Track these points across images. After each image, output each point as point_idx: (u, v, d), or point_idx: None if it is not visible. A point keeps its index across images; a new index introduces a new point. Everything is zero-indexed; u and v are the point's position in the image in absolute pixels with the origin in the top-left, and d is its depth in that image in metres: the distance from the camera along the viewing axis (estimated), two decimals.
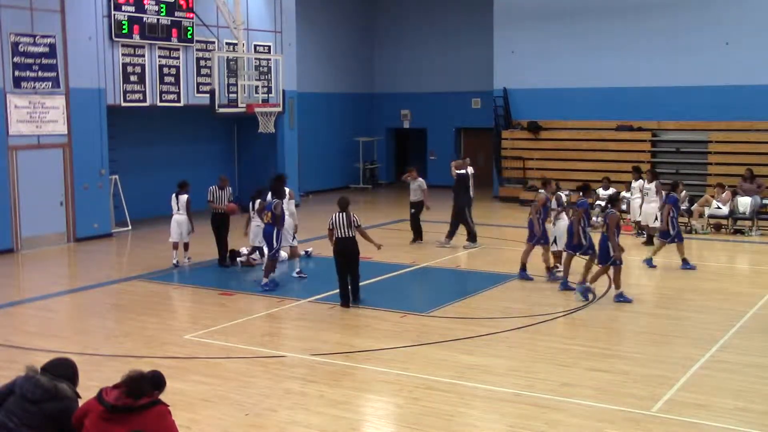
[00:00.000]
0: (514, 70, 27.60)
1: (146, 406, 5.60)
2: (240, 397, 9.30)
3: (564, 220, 15.49)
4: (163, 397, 5.83)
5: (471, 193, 19.01)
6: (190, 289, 14.88)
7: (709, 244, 19.58)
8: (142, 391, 5.64)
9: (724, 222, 20.84)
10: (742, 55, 24.06)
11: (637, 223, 20.07)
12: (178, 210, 16.94)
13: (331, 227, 13.58)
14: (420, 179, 19.32)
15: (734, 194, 21.64)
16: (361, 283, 13.94)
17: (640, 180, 19.93)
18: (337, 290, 13.70)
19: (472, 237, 18.69)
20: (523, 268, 15.48)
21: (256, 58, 23.44)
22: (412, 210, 19.30)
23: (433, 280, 16.10)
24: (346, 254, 13.50)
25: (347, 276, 13.54)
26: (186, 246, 17.09)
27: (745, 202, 21.05)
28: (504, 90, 27.84)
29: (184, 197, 17.07)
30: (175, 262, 16.86)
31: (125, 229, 21.40)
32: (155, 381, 5.89)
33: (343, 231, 13.45)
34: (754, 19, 23.97)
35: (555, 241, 15.68)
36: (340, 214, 13.48)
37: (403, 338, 11.64)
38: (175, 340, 11.65)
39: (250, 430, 8.42)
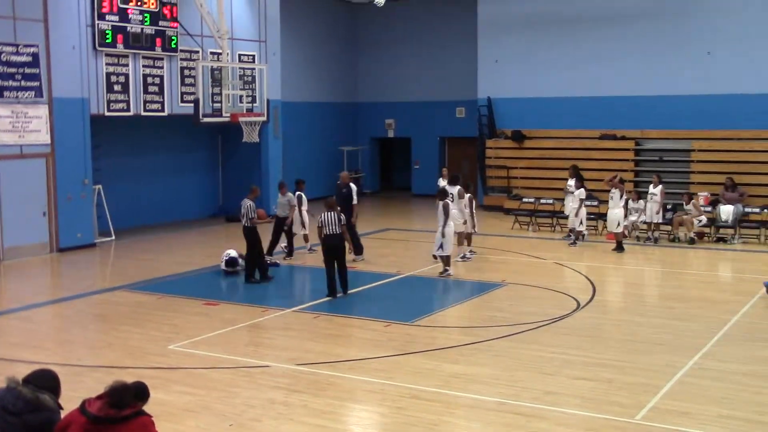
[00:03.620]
0: (498, 79, 27.70)
1: (130, 417, 5.57)
2: (224, 408, 9.25)
3: None
4: (146, 407, 5.80)
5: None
6: (174, 299, 14.80)
7: (691, 252, 19.69)
8: (126, 401, 5.60)
9: (706, 230, 20.95)
10: (724, 65, 24.25)
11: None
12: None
13: (320, 225, 14.75)
14: (290, 194, 18.41)
15: (716, 203, 21.80)
16: (345, 294, 14.04)
17: (576, 184, 20.18)
18: (321, 300, 13.70)
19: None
20: None
21: (240, 68, 23.41)
22: (285, 227, 18.32)
23: (417, 290, 16.10)
24: (334, 249, 14.65)
25: (334, 269, 14.58)
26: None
27: (727, 211, 21.18)
28: (488, 99, 27.92)
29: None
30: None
31: (109, 239, 21.30)
32: (139, 392, 5.85)
33: (331, 228, 14.64)
34: (735, 28, 24.16)
35: None
36: (329, 212, 14.70)
37: (387, 347, 11.63)
38: (159, 350, 11.59)
39: None
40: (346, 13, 32.38)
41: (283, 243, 18.46)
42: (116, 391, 5.61)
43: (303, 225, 18.76)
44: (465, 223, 18.24)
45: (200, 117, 21.52)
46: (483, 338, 12.01)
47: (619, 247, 19.21)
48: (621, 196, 19.37)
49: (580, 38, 26.33)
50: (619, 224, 19.23)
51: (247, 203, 16.20)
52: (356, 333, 12.64)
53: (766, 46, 23.70)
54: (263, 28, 25.05)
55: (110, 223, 21.46)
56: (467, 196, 18.54)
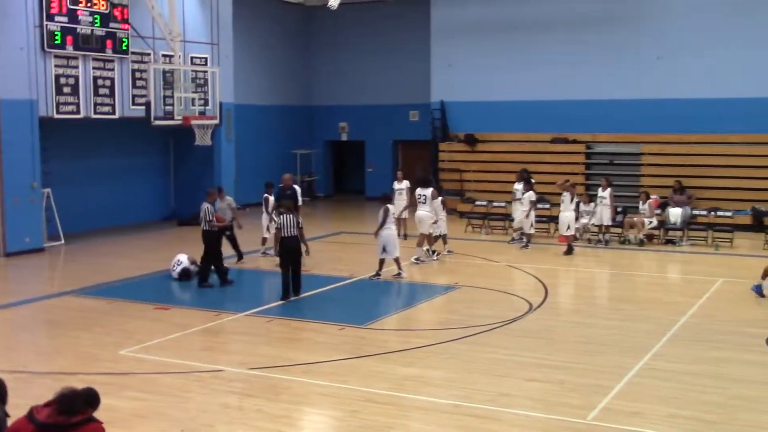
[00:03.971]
0: (451, 83, 27.84)
1: (79, 424, 5.48)
2: (176, 413, 9.16)
3: None
4: (97, 414, 5.72)
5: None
6: (125, 303, 14.61)
7: (641, 254, 19.96)
8: (75, 408, 5.52)
9: (656, 233, 21.27)
10: (674, 70, 24.65)
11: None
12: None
13: (279, 227, 14.85)
14: (228, 198, 18.14)
15: (665, 205, 22.13)
16: (299, 297, 14.01)
17: (525, 187, 20.41)
18: (275, 303, 13.64)
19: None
20: None
21: (192, 70, 23.21)
22: (227, 233, 17.63)
23: (371, 293, 16.09)
24: (291, 251, 14.73)
25: (290, 271, 14.68)
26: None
27: (675, 213, 21.54)
28: (441, 103, 28.06)
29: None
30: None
31: (58, 243, 20.96)
32: (89, 398, 5.76)
33: (289, 230, 14.70)
34: (684, 34, 24.58)
35: None
36: (288, 215, 14.81)
37: (341, 351, 11.61)
38: (110, 356, 11.42)
39: None
40: (300, 16, 32.30)
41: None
42: (65, 397, 5.52)
43: (268, 228, 18.61)
44: (435, 222, 18.71)
45: (152, 120, 21.37)
46: (436, 341, 12.04)
47: (570, 250, 19.41)
48: (572, 200, 19.60)
49: (532, 43, 26.57)
50: (569, 227, 19.45)
51: (205, 206, 16.08)
52: (310, 336, 12.60)
53: (714, 51, 24.14)
54: (216, 30, 24.86)
55: (60, 227, 21.12)
56: (440, 198, 18.99)
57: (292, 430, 8.87)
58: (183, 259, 16.74)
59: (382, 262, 16.60)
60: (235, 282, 16.18)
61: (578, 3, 25.96)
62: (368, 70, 31.63)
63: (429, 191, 18.96)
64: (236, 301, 15.07)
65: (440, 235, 19.27)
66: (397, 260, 16.61)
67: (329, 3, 23.47)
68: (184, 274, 16.53)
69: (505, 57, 26.96)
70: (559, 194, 20.23)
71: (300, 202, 18.02)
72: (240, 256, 18.28)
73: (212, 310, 14.10)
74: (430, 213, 18.69)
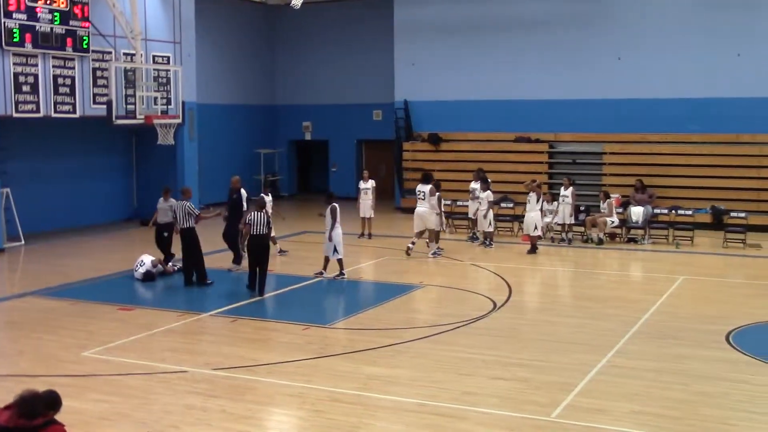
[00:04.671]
0: (415, 82, 27.89)
1: (41, 427, 5.42)
2: (141, 415, 9.07)
3: None
4: (59, 416, 5.65)
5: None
6: (88, 304, 14.44)
7: (603, 253, 20.14)
8: (37, 411, 5.45)
9: (618, 231, 21.48)
10: (634, 70, 24.91)
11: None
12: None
13: (249, 223, 14.82)
14: (172, 200, 17.09)
15: (627, 204, 22.36)
16: (264, 297, 13.95)
17: (483, 186, 20.47)
18: (239, 303, 13.58)
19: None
20: None
21: (154, 69, 23.00)
22: (165, 233, 17.08)
23: (335, 292, 16.08)
24: (260, 249, 14.77)
25: (257, 268, 14.74)
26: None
27: (637, 212, 21.76)
28: (405, 102, 28.09)
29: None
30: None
31: (18, 243, 20.67)
32: (50, 400, 5.69)
33: (258, 228, 14.69)
34: (644, 35, 24.85)
35: None
36: (258, 213, 14.81)
37: (306, 350, 11.57)
38: (73, 357, 11.28)
39: None
40: (263, 15, 32.15)
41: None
42: (26, 400, 5.46)
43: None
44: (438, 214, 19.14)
45: (114, 119, 21.14)
46: (401, 340, 12.05)
47: (533, 249, 19.52)
48: (538, 200, 19.67)
49: (496, 43, 26.69)
50: (536, 227, 19.55)
51: (185, 204, 15.95)
52: (274, 336, 12.55)
53: (674, 51, 24.44)
54: (178, 29, 24.65)
55: (19, 227, 20.81)
56: (437, 194, 19.20)
57: (257, 430, 8.83)
58: (146, 260, 16.58)
59: (341, 261, 16.53)
60: (213, 283, 16.01)
61: (541, 4, 26.12)
62: (332, 69, 31.57)
63: (428, 188, 19.20)
64: (200, 301, 14.96)
65: (437, 232, 19.67)
66: (340, 261, 16.53)
67: (292, 2, 23.41)
68: (148, 277, 16.38)
69: (469, 57, 27.06)
70: (524, 194, 20.34)
71: (245, 207, 17.37)
72: (169, 258, 17.35)
73: (176, 310, 14.00)
74: (429, 209, 18.97)
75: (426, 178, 19.73)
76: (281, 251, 19.04)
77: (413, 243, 19.16)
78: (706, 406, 9.32)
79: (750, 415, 9.08)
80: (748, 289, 15.89)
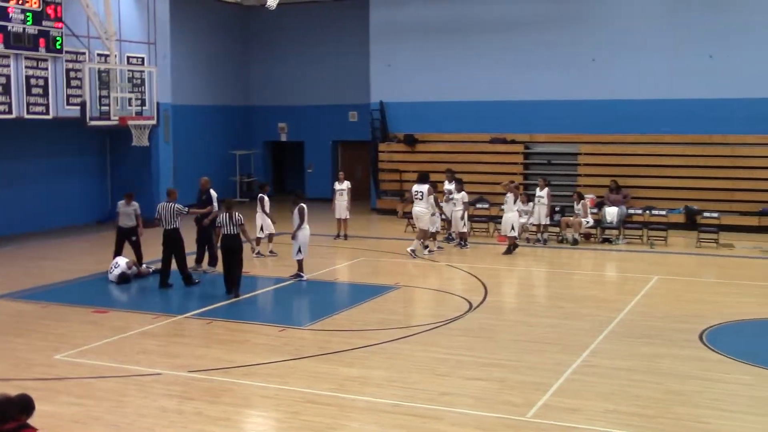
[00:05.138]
0: (391, 83, 27.89)
1: (13, 431, 5.35)
2: (114, 418, 8.99)
3: None
4: (32, 421, 5.59)
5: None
6: (61, 307, 14.30)
7: (578, 253, 20.24)
8: (9, 415, 5.39)
9: (593, 231, 21.59)
10: (608, 72, 25.06)
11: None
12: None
13: (218, 225, 15.01)
14: (135, 203, 17.15)
15: (602, 204, 22.48)
16: (240, 297, 13.92)
17: (457, 187, 20.45)
18: (214, 305, 13.52)
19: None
20: None
21: (129, 70, 22.81)
22: (133, 237, 17.03)
23: (311, 293, 16.04)
24: (232, 249, 14.83)
25: (230, 268, 14.83)
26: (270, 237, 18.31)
27: (611, 212, 21.89)
28: (380, 103, 28.09)
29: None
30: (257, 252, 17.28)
31: None
32: (23, 404, 5.63)
33: (229, 228, 14.80)
34: (618, 37, 24.99)
35: None
36: (227, 213, 14.89)
37: (281, 352, 11.54)
38: (45, 360, 11.17)
39: None
40: (238, 16, 32.03)
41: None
42: None
43: (262, 228, 18.99)
44: (434, 215, 19.49)
45: (88, 120, 20.99)
46: (377, 341, 12.05)
47: (509, 250, 19.58)
48: (515, 201, 19.73)
49: (471, 44, 26.75)
50: (513, 228, 19.60)
51: (173, 206, 15.88)
52: (250, 338, 12.49)
53: (647, 54, 24.60)
54: (153, 29, 24.49)
55: None
56: (434, 194, 19.54)
57: (232, 431, 8.80)
58: (121, 262, 16.46)
59: (301, 262, 16.51)
60: (173, 285, 15.91)
61: (515, 6, 26.21)
62: (307, 70, 31.51)
63: (425, 188, 19.39)
64: (175, 303, 14.89)
65: (436, 231, 20.10)
66: (300, 262, 16.51)
67: (267, 3, 23.30)
68: (123, 279, 16.27)
69: (444, 58, 27.10)
70: (499, 194, 20.41)
71: (215, 207, 17.10)
72: (140, 261, 17.19)
73: (151, 312, 13.90)
74: (426, 209, 19.20)
75: (423, 178, 19.88)
76: (258, 254, 18.92)
77: (452, 237, 20.18)
78: (680, 404, 9.39)
79: (723, 413, 9.15)
80: (721, 289, 16.03)
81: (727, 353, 11.35)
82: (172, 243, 15.79)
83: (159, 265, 17.42)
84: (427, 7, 27.32)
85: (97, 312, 13.93)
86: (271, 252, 19.27)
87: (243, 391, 9.97)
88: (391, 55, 27.90)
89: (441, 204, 20.04)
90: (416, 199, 19.41)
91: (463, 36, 26.83)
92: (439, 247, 19.96)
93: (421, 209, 19.28)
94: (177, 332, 12.96)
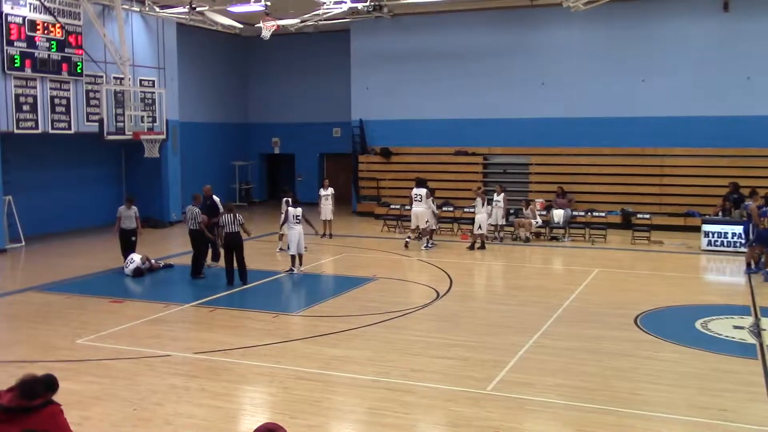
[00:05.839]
0: (369, 103, 27.86)
1: (40, 407, 5.28)
2: (128, 394, 8.90)
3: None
4: (56, 397, 5.51)
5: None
6: (82, 298, 14.15)
7: (530, 250, 20.31)
8: (36, 392, 5.30)
9: (542, 231, 21.67)
10: (555, 93, 25.17)
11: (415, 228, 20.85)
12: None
13: (222, 224, 15.01)
14: (134, 207, 16.85)
15: (550, 207, 22.57)
16: (238, 289, 13.78)
17: (427, 193, 20.41)
18: (217, 295, 13.43)
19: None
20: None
21: (141, 91, 22.62)
22: (133, 238, 16.74)
23: (301, 285, 15.97)
24: (234, 245, 14.91)
25: (233, 262, 14.93)
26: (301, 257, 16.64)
27: (558, 214, 21.98)
28: (360, 121, 28.04)
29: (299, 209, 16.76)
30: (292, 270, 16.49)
31: (19, 244, 20.20)
32: (48, 383, 5.54)
33: (231, 227, 14.84)
34: (563, 64, 25.10)
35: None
36: (230, 214, 14.99)
37: (275, 335, 11.47)
38: (67, 345, 11.04)
39: (139, 423, 8.07)
40: (238, 44, 31.83)
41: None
42: (26, 383, 5.31)
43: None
44: (427, 221, 19.70)
45: (105, 135, 20.84)
46: (358, 325, 12.02)
47: (482, 246, 19.60)
48: (483, 204, 19.78)
49: (438, 70, 26.76)
50: (480, 227, 19.65)
51: (193, 209, 15.93)
52: (248, 324, 12.41)
53: (589, 78, 24.72)
54: (162, 56, 24.34)
55: (20, 230, 20.35)
56: (432, 198, 19.96)
57: (232, 405, 8.72)
58: (136, 258, 16.32)
59: (293, 257, 16.50)
60: (206, 276, 15.86)
61: (476, 37, 26.25)
62: (297, 91, 31.45)
63: (423, 191, 19.71)
64: (183, 294, 14.77)
65: (433, 230, 20.32)
66: (293, 258, 16.50)
67: (262, 34, 23.20)
68: (137, 273, 16.13)
69: (415, 81, 27.10)
70: (462, 198, 20.46)
71: (221, 209, 16.56)
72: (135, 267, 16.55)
73: (162, 302, 13.78)
74: (426, 209, 19.57)
75: (421, 183, 20.18)
76: (281, 249, 19.03)
77: (410, 237, 19.97)
78: (618, 379, 9.43)
79: (654, 386, 9.20)
80: (653, 279, 16.13)
81: (657, 334, 11.42)
82: (192, 241, 15.95)
83: (168, 261, 17.40)
84: (400, 39, 27.31)
85: (114, 302, 13.79)
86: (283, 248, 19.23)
87: (241, 370, 9.90)
88: (369, 79, 27.88)
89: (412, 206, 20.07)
90: (416, 201, 19.77)
91: (431, 63, 26.84)
92: (433, 244, 19.94)
93: (421, 209, 19.67)
94: (184, 319, 12.86)
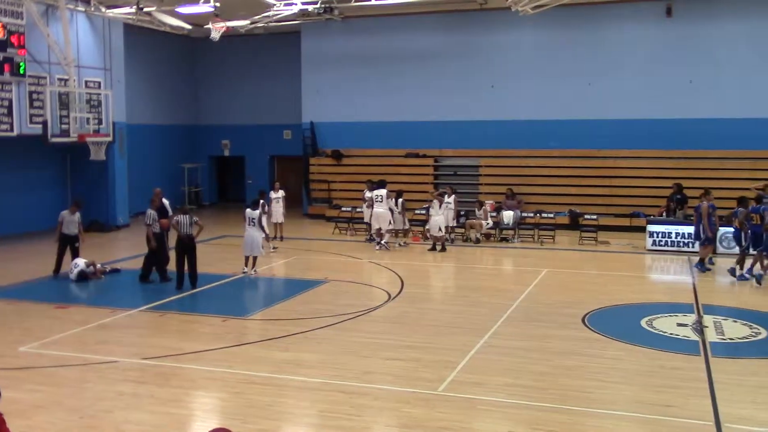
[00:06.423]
0: (319, 106, 27.77)
1: None
2: (75, 402, 8.70)
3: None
4: None
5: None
6: (26, 304, 13.79)
7: (480, 250, 20.46)
8: None
9: (492, 232, 21.85)
10: (505, 96, 25.42)
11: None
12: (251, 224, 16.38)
13: (176, 224, 14.74)
14: (78, 213, 16.45)
15: (500, 209, 22.77)
16: (188, 293, 13.57)
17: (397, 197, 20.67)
18: (166, 299, 13.20)
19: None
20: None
21: (86, 93, 22.18)
22: (77, 244, 16.44)
23: (251, 288, 15.84)
24: (186, 248, 14.68)
25: (184, 265, 14.66)
26: (254, 259, 16.48)
27: (508, 215, 22.19)
28: (311, 123, 27.93)
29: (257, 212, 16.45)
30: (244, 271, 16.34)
31: None
32: None
33: (185, 229, 14.59)
34: (512, 67, 25.37)
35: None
36: (184, 215, 14.73)
37: (225, 340, 11.35)
38: (10, 352, 10.73)
39: (85, 431, 7.89)
40: (186, 45, 31.42)
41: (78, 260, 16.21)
42: None
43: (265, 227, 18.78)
44: (391, 223, 19.97)
45: (49, 137, 20.37)
46: (309, 328, 11.95)
47: (443, 248, 19.67)
48: (440, 206, 19.86)
49: (388, 72, 26.81)
50: (440, 228, 19.73)
51: (149, 212, 15.66)
52: (197, 328, 12.25)
53: (537, 81, 25.03)
54: (108, 57, 23.88)
55: None
56: (400, 200, 20.31)
57: (182, 411, 8.58)
58: (80, 263, 15.98)
59: (246, 259, 16.46)
60: (172, 279, 15.35)
61: (426, 40, 26.38)
62: (247, 93, 31.20)
63: (384, 192, 19.89)
64: (131, 298, 14.49)
65: (400, 229, 20.59)
66: (250, 258, 16.46)
67: (211, 35, 22.94)
68: (82, 277, 15.79)
69: (366, 84, 27.12)
70: (418, 201, 20.58)
71: (170, 212, 16.43)
72: (57, 270, 16.32)
73: (109, 307, 13.51)
74: (386, 210, 19.76)
75: (381, 184, 20.37)
76: (275, 248, 19.50)
77: (373, 238, 20.20)
78: (567, 377, 9.55)
79: (602, 383, 9.35)
80: (600, 279, 16.39)
81: (604, 333, 11.60)
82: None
83: (115, 266, 17.10)
84: (351, 41, 27.29)
85: (59, 308, 13.48)
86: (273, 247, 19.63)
87: (191, 375, 9.76)
88: (319, 81, 27.79)
89: (364, 209, 20.13)
90: (377, 202, 19.90)
91: (382, 65, 26.88)
92: (387, 246, 19.93)
93: (382, 210, 19.82)
94: (132, 324, 12.62)
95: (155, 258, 15.59)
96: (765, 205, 16.09)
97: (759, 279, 15.35)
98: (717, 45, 23.34)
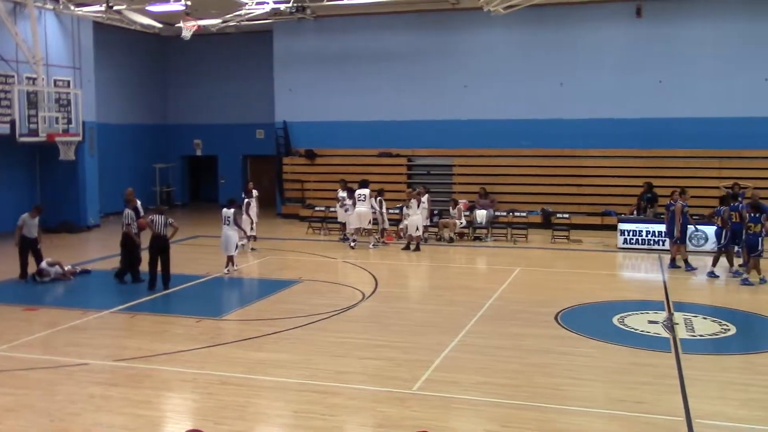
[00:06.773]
0: (292, 105, 27.67)
1: None
2: (45, 405, 8.59)
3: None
4: None
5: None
6: None
7: (454, 250, 20.53)
8: None
9: (466, 231, 21.93)
10: (477, 96, 25.52)
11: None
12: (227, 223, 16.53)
13: (150, 224, 14.66)
14: (38, 217, 16.26)
15: (473, 208, 22.86)
16: (160, 294, 13.45)
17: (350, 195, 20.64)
18: (138, 300, 13.12)
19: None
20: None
21: (56, 92, 21.89)
22: (39, 246, 16.17)
23: (225, 288, 15.74)
24: (161, 247, 14.60)
25: (157, 265, 14.59)
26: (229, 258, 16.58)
27: (481, 214, 22.29)
28: (284, 122, 27.83)
29: (231, 211, 16.61)
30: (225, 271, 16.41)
31: None
32: None
33: (160, 229, 14.53)
34: (485, 68, 25.47)
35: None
36: (160, 215, 14.69)
37: (199, 340, 11.27)
38: None
39: None
40: (157, 44, 31.12)
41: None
42: None
43: (252, 227, 19.37)
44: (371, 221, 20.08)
45: (17, 137, 20.08)
46: (283, 328, 11.91)
47: (417, 247, 19.70)
48: (418, 206, 19.88)
49: (361, 71, 26.79)
50: (418, 228, 19.77)
51: (126, 212, 15.56)
52: (170, 329, 12.15)
53: (509, 81, 25.13)
54: (78, 55, 23.59)
55: None
56: (379, 198, 20.33)
57: (154, 413, 8.51)
58: (43, 265, 15.78)
59: (231, 258, 16.56)
60: (144, 280, 15.16)
61: (399, 39, 26.40)
62: (219, 93, 31.00)
63: (367, 191, 20.05)
64: (102, 300, 14.32)
65: (383, 229, 20.71)
66: (230, 258, 16.56)
67: (183, 34, 22.76)
68: (39, 273, 15.57)
69: (339, 83, 27.07)
70: (392, 200, 20.62)
71: (142, 213, 16.22)
72: (23, 274, 15.96)
73: (79, 309, 13.35)
74: (368, 209, 19.93)
75: (364, 184, 20.51)
76: (253, 248, 19.60)
77: (354, 240, 20.08)
78: (540, 375, 9.61)
79: (575, 381, 9.43)
80: (572, 277, 16.52)
81: (577, 331, 11.70)
82: (123, 244, 15.57)
83: (85, 267, 16.93)
84: (323, 40, 27.23)
85: (27, 310, 13.30)
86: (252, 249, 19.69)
87: (163, 376, 9.68)
88: (292, 80, 27.69)
89: (338, 208, 20.15)
90: (359, 201, 20.02)
91: (355, 65, 26.85)
92: (384, 243, 20.25)
93: (365, 209, 19.96)
94: (103, 326, 12.48)
95: (131, 257, 15.45)
96: (741, 203, 16.40)
97: (763, 280, 15.48)
98: (686, 45, 23.64)
